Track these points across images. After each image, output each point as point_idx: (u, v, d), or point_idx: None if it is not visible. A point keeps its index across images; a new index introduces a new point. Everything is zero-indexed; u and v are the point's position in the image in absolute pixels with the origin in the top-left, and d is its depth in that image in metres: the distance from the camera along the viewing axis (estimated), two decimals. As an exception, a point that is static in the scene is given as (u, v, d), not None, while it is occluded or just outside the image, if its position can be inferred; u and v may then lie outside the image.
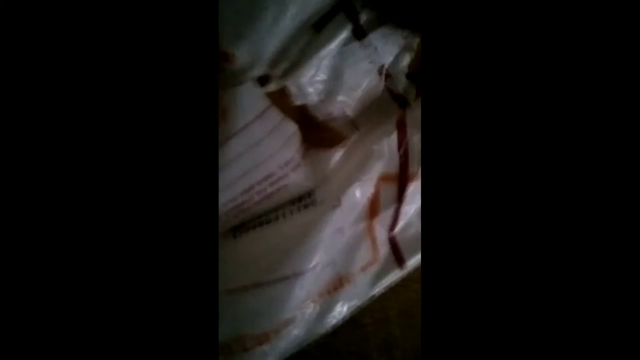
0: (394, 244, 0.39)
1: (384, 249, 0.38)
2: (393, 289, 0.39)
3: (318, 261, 0.36)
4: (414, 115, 0.38)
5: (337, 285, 0.37)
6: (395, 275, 0.39)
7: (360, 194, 0.37)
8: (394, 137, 0.38)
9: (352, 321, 0.38)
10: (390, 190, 0.38)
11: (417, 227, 0.39)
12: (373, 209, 0.38)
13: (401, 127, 0.38)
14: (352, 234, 0.38)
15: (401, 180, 0.38)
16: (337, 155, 0.39)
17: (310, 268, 0.36)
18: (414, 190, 0.38)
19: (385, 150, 0.38)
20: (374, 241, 0.38)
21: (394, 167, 0.38)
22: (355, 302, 0.38)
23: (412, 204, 0.38)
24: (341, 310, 0.37)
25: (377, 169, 0.38)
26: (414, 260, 0.39)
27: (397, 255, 0.39)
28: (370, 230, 0.38)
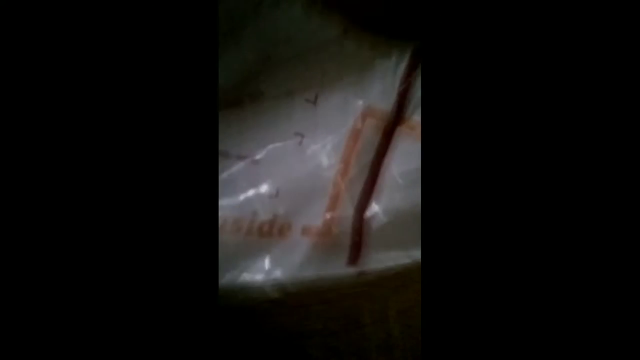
0: (358, 228, 0.31)
1: (342, 226, 0.30)
2: (393, 289, 0.39)
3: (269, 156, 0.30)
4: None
5: (270, 229, 0.30)
6: (337, 270, 0.30)
7: (346, 105, 0.30)
8: (402, 66, 0.31)
9: (352, 321, 0.38)
10: (374, 134, 0.31)
11: (392, 220, 0.30)
12: (347, 155, 0.31)
13: (414, 59, 0.31)
14: (314, 161, 0.31)
15: (389, 124, 0.31)
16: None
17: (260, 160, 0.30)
18: (401, 144, 0.31)
19: (389, 71, 0.31)
20: (335, 202, 0.31)
21: (386, 103, 0.31)
22: (276, 274, 0.30)
23: (394, 169, 0.30)
24: (258, 268, 0.30)
25: (369, 96, 0.31)
26: (370, 263, 0.31)
27: (356, 245, 0.30)
28: (336, 185, 0.31)
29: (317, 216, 0.32)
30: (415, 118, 0.32)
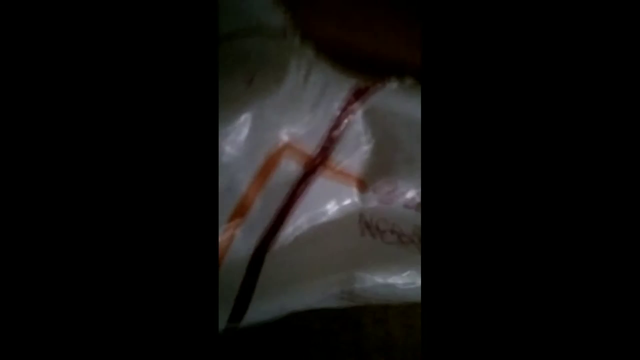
0: (252, 272, 0.27)
1: (233, 263, 0.27)
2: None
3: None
4: (384, 93, 0.28)
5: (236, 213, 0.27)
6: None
7: (271, 128, 0.27)
8: (338, 104, 0.28)
9: (352, 321, 0.38)
10: (290, 171, 0.28)
11: (289, 266, 0.27)
12: (260, 182, 0.27)
13: (357, 97, 0.28)
14: (228, 169, 0.27)
15: (308, 167, 0.28)
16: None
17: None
18: (315, 192, 0.28)
19: (319, 114, 0.28)
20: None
21: (310, 145, 0.28)
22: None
23: (302, 216, 0.28)
24: None
25: (296, 127, 0.28)
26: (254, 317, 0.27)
27: (243, 297, 0.27)
28: (237, 213, 0.27)
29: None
30: (342, 163, 0.29)
